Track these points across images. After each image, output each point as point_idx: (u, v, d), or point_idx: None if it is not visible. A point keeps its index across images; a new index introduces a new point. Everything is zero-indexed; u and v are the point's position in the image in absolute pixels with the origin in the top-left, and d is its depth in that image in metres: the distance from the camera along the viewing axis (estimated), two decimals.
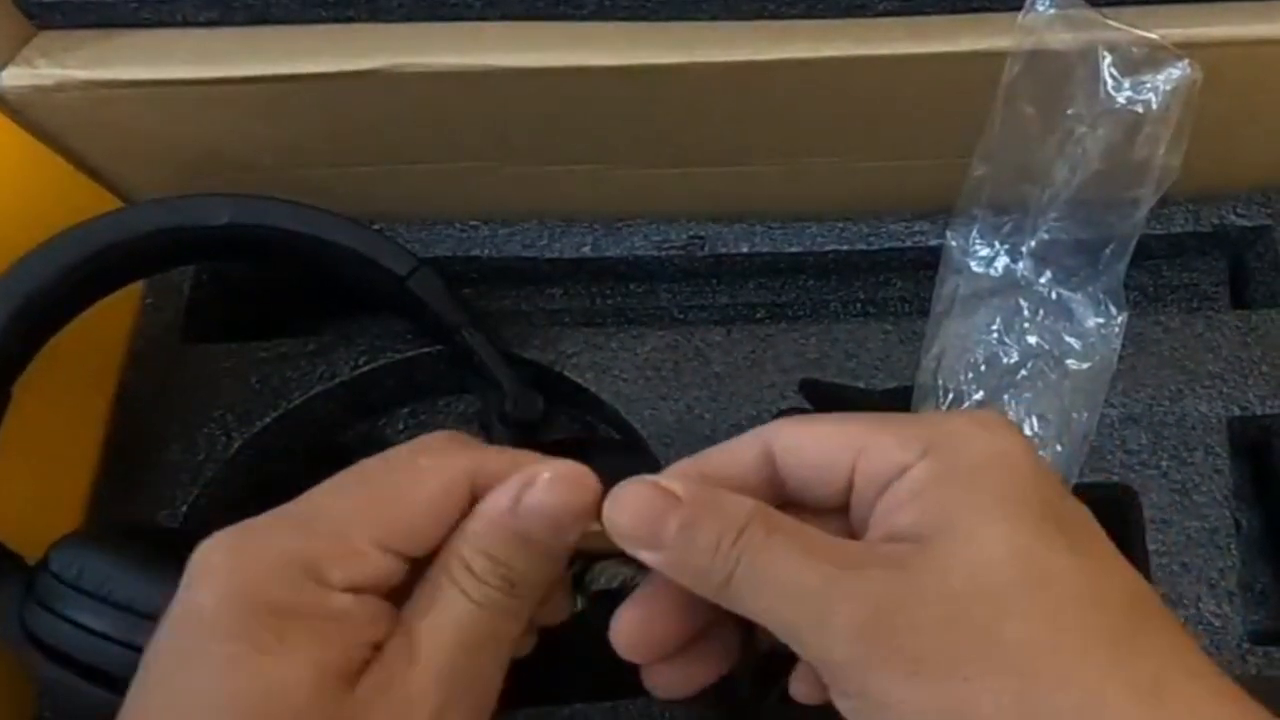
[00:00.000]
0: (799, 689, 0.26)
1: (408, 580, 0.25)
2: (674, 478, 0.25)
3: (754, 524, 0.23)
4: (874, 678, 0.22)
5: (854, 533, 0.26)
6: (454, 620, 0.24)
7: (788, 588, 0.23)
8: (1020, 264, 0.41)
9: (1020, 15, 0.36)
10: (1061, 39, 0.36)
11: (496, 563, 0.24)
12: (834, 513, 0.26)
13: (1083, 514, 0.24)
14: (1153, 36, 0.35)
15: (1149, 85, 0.36)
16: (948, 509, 0.23)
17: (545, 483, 0.24)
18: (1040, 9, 0.36)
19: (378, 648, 0.23)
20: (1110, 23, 0.36)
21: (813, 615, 0.22)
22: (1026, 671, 0.21)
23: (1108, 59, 0.36)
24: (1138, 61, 0.36)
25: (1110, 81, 0.36)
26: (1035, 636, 0.21)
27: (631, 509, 0.24)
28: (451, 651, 0.23)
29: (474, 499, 0.25)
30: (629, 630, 0.26)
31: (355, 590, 0.23)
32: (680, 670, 0.27)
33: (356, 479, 0.25)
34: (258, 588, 0.22)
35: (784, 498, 0.26)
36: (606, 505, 0.24)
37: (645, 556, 0.24)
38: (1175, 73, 0.35)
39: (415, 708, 0.22)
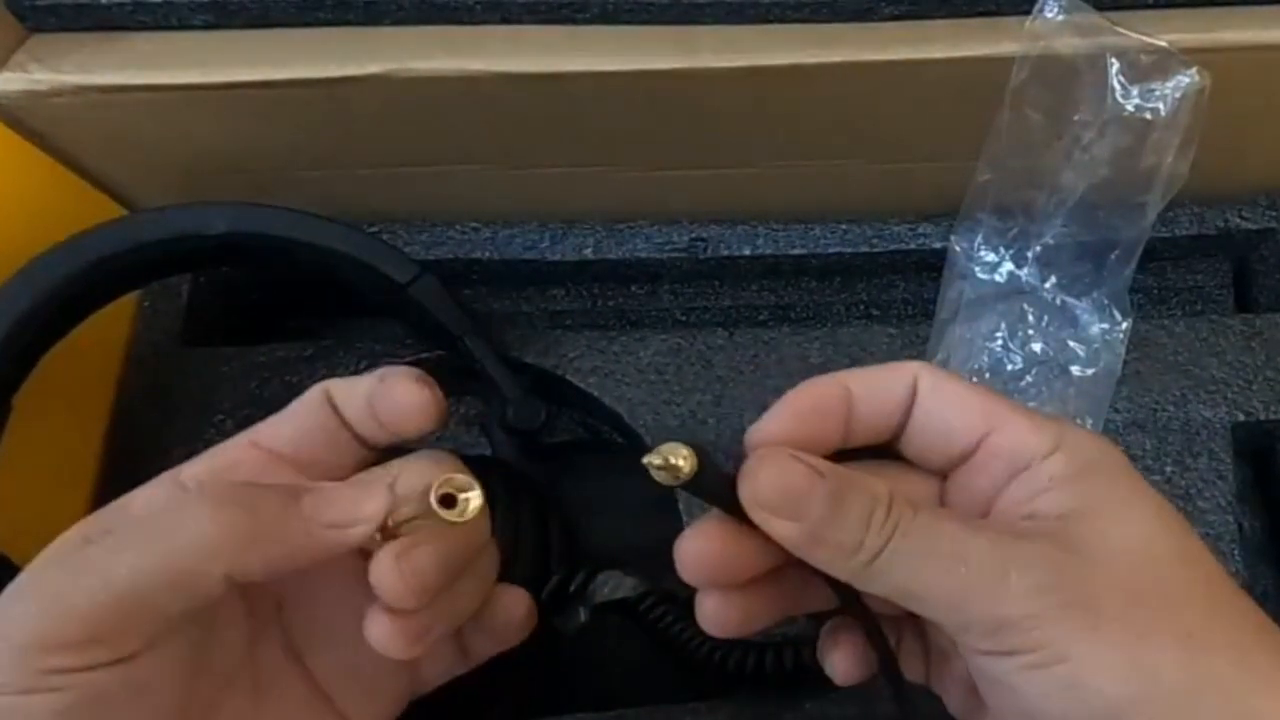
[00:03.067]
0: (838, 668, 0.27)
1: None
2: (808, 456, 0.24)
3: (898, 501, 0.23)
4: (1054, 631, 0.22)
5: (942, 499, 0.26)
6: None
7: (956, 555, 0.23)
8: (1025, 270, 0.40)
9: (1028, 20, 0.36)
10: (1069, 44, 0.35)
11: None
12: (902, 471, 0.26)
13: None
14: (1161, 43, 0.35)
15: (1157, 93, 0.35)
16: (1095, 496, 0.24)
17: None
18: (1049, 14, 0.35)
19: None
20: (1118, 29, 0.35)
21: (987, 577, 0.22)
22: (1194, 632, 0.22)
23: (1116, 65, 0.35)
24: (1146, 68, 0.35)
25: (1118, 88, 0.36)
26: (1196, 604, 0.23)
27: (775, 477, 0.23)
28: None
29: (330, 403, 0.27)
30: (699, 548, 0.25)
31: (199, 479, 0.26)
32: (739, 606, 0.26)
33: None
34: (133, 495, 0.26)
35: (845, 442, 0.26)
36: (746, 471, 0.24)
37: (780, 528, 0.23)
38: (1184, 80, 0.35)
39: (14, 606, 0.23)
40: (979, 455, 0.25)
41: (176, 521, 0.23)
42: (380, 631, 0.25)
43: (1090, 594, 0.22)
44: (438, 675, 0.30)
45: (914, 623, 0.28)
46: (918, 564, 0.23)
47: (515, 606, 0.29)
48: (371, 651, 0.27)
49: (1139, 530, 0.23)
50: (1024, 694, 0.23)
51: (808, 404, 0.25)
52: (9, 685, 0.22)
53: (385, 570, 0.24)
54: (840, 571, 0.24)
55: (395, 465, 0.27)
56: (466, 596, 0.27)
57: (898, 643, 0.28)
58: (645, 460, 0.23)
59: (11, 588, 0.23)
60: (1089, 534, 0.23)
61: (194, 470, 0.26)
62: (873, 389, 0.25)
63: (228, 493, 0.24)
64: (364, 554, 0.26)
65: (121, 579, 0.22)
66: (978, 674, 0.24)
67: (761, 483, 0.23)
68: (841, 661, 0.27)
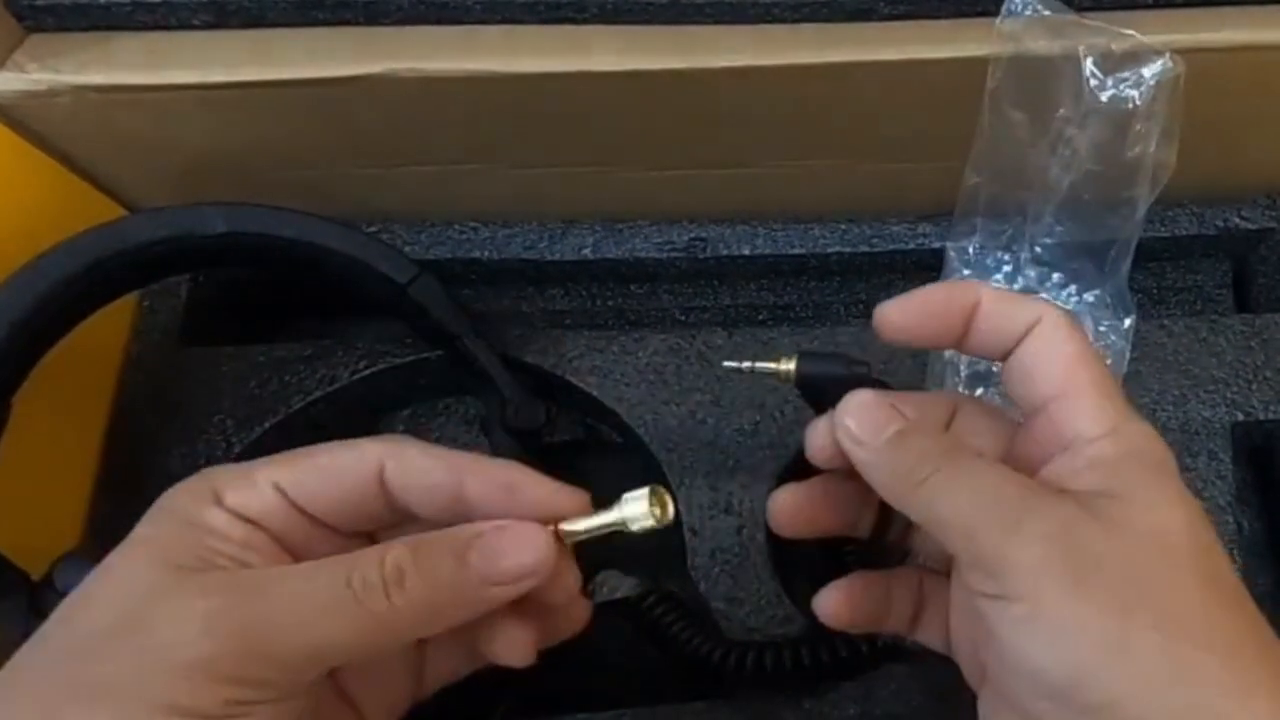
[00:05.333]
0: (828, 608, 0.30)
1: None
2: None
3: (954, 445, 0.26)
4: (1047, 582, 0.23)
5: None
6: (313, 586, 0.24)
7: (986, 492, 0.25)
8: (1023, 271, 0.40)
9: (997, 21, 0.36)
10: (1041, 42, 0.35)
11: (401, 574, 0.24)
12: None
13: None
14: (1131, 33, 0.35)
15: (1132, 81, 0.35)
16: (1128, 484, 0.25)
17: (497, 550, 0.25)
18: (1016, 14, 0.35)
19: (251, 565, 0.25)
20: (1087, 22, 0.35)
21: (1006, 517, 0.24)
22: (1183, 617, 0.23)
23: (1089, 58, 0.35)
24: (1119, 59, 0.35)
25: (1094, 80, 0.36)
26: (1196, 592, 0.23)
27: (861, 410, 0.27)
28: (275, 603, 0.23)
29: (384, 482, 0.26)
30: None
31: (241, 513, 0.25)
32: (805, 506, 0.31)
33: (306, 448, 0.27)
34: (169, 499, 0.26)
35: None
36: (846, 405, 0.27)
37: (855, 450, 0.27)
38: (1157, 67, 0.35)
39: (195, 642, 0.23)
40: (1040, 418, 0.26)
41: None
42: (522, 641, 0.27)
43: (1092, 558, 0.23)
44: (444, 677, 0.30)
45: (936, 592, 0.30)
46: (955, 491, 0.25)
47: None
48: (389, 655, 0.28)
49: (1160, 521, 0.24)
50: (1010, 647, 0.24)
51: (939, 302, 0.28)
52: (196, 710, 0.22)
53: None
54: (891, 493, 0.26)
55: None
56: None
57: (918, 612, 0.31)
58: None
59: (169, 616, 0.23)
60: (1111, 511, 0.24)
61: (233, 500, 0.25)
62: (999, 311, 0.27)
63: (401, 573, 0.24)
64: None
65: (315, 635, 0.23)
66: (979, 626, 0.26)
67: (847, 416, 0.27)
68: (832, 599, 0.30)
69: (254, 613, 0.23)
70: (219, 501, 0.25)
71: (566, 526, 0.27)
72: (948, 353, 0.40)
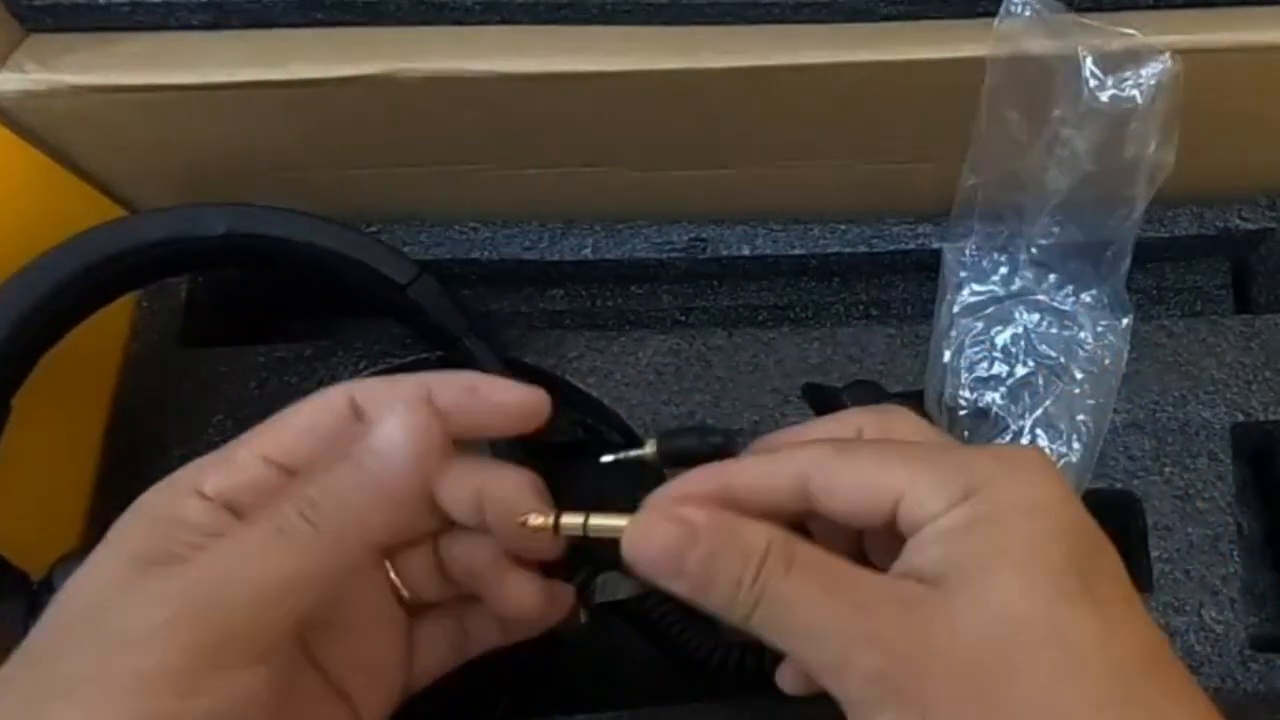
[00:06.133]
0: (786, 681, 0.28)
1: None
2: (692, 501, 0.25)
3: (772, 558, 0.23)
4: (886, 718, 0.22)
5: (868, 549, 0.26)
6: (246, 538, 0.24)
7: (807, 631, 0.23)
8: (1020, 273, 0.40)
9: (995, 21, 0.35)
10: (1039, 42, 0.35)
11: (312, 500, 0.25)
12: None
13: (1111, 563, 0.24)
14: (1129, 33, 0.35)
15: (1131, 82, 0.35)
16: (969, 557, 0.23)
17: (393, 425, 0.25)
18: (1015, 14, 0.35)
19: None
20: (1085, 22, 0.35)
21: (831, 658, 0.23)
22: None
23: (1088, 59, 0.35)
24: (1118, 59, 0.35)
25: (1092, 81, 0.36)
26: (1041, 695, 0.21)
27: (651, 544, 0.24)
28: (217, 566, 0.24)
29: (355, 408, 0.27)
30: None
31: (222, 497, 0.25)
32: None
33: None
34: (147, 496, 0.25)
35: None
36: (626, 539, 0.25)
37: (669, 586, 0.24)
38: (1156, 68, 0.35)
39: (155, 613, 0.23)
40: (895, 523, 0.24)
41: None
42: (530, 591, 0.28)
43: (923, 684, 0.22)
44: (432, 670, 0.30)
45: None
46: (778, 632, 0.23)
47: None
48: (377, 643, 0.28)
49: (1001, 603, 0.22)
50: None
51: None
52: (175, 690, 0.22)
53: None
54: (729, 620, 0.24)
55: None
56: None
57: None
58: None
59: (131, 604, 0.23)
60: (951, 604, 0.22)
61: (215, 485, 0.25)
62: (752, 495, 0.25)
63: (313, 501, 0.25)
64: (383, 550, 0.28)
65: (259, 579, 0.23)
66: None
67: (638, 547, 0.24)
68: (788, 674, 0.28)
69: (199, 578, 0.23)
70: (197, 492, 0.25)
71: (595, 521, 0.26)
72: (946, 355, 0.40)
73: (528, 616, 0.29)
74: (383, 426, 0.25)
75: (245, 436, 0.27)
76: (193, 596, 0.23)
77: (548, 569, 0.30)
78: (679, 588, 0.24)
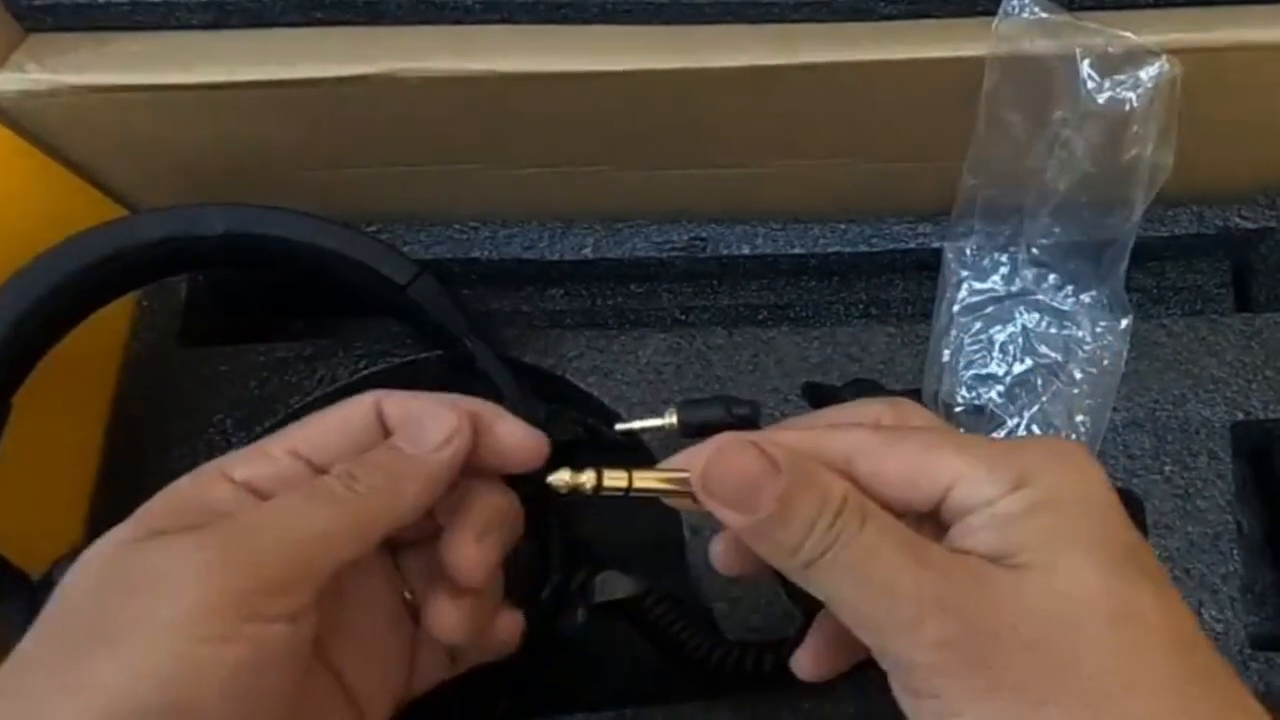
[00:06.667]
0: (806, 664, 0.28)
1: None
2: (770, 443, 0.24)
3: (849, 509, 0.23)
4: (952, 686, 0.22)
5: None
6: (285, 501, 0.25)
7: (880, 585, 0.23)
8: (1020, 273, 0.40)
9: (994, 22, 0.36)
10: (1038, 44, 0.35)
11: (352, 474, 0.25)
12: None
13: (1149, 550, 0.24)
14: (1127, 35, 0.35)
15: (1129, 84, 0.35)
16: (1034, 539, 0.23)
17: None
18: (1013, 16, 0.35)
19: None
20: (1084, 23, 0.35)
21: (903, 618, 0.22)
22: (1099, 704, 0.21)
23: (1086, 60, 0.35)
24: (1116, 61, 0.35)
25: (1091, 83, 0.36)
26: (1111, 670, 0.22)
27: (732, 468, 0.23)
28: (258, 529, 0.24)
29: (382, 420, 0.27)
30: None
31: (250, 484, 0.26)
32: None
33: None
34: (180, 480, 0.26)
35: None
36: (705, 464, 0.24)
37: (731, 518, 0.24)
38: (1154, 70, 0.35)
39: (192, 558, 0.23)
40: (942, 509, 0.24)
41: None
42: (448, 615, 0.27)
43: (993, 654, 0.22)
44: (434, 674, 0.30)
45: None
46: (848, 582, 0.23)
47: (510, 625, 0.30)
48: (385, 646, 0.29)
49: (1069, 582, 0.22)
50: None
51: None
52: (211, 634, 0.22)
53: (464, 549, 0.27)
54: (778, 566, 0.24)
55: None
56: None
57: None
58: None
59: (161, 556, 0.23)
60: (1020, 581, 0.22)
61: (244, 472, 0.26)
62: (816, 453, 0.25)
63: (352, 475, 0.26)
64: (391, 548, 0.29)
65: (297, 534, 0.24)
66: (899, 700, 0.24)
67: (715, 471, 0.24)
68: (806, 662, 0.28)
69: (238, 529, 0.24)
70: (226, 477, 0.26)
71: (640, 477, 0.26)
72: (945, 354, 0.40)
73: (450, 639, 0.28)
74: (418, 415, 0.27)
75: (278, 433, 0.27)
76: (232, 544, 0.23)
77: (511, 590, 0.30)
78: (745, 524, 0.23)
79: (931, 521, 0.25)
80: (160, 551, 0.23)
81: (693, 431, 0.28)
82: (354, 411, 0.27)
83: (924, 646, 0.22)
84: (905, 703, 0.24)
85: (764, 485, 0.23)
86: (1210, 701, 0.22)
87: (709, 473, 0.24)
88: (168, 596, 0.22)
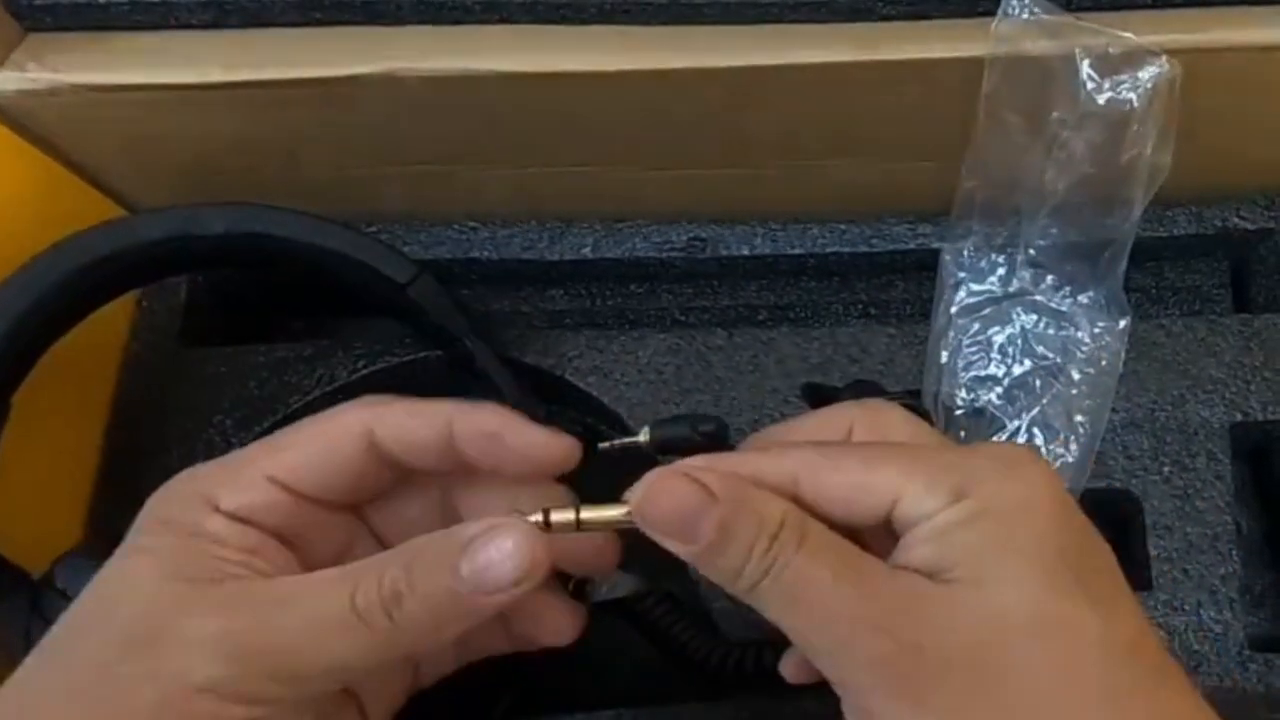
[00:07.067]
0: (790, 669, 0.28)
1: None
2: (707, 471, 0.24)
3: (786, 531, 0.23)
4: (886, 706, 0.22)
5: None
6: (323, 605, 0.24)
7: (815, 610, 0.23)
8: (1018, 273, 0.40)
9: (994, 23, 0.36)
10: (1037, 44, 0.35)
11: (399, 595, 0.24)
12: None
13: (1104, 558, 0.24)
14: (1128, 36, 0.35)
15: (1129, 84, 0.35)
16: (965, 554, 0.23)
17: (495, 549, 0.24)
18: (1013, 16, 0.35)
19: (259, 571, 0.25)
20: (1083, 24, 0.35)
21: (837, 641, 0.23)
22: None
23: (1086, 61, 0.36)
24: (1116, 62, 0.35)
25: (1090, 83, 0.36)
26: (1039, 687, 0.22)
27: (666, 502, 0.24)
28: (275, 615, 0.24)
29: (373, 445, 0.26)
30: None
31: (240, 515, 0.25)
32: None
33: (279, 432, 0.27)
34: (161, 508, 0.25)
35: None
36: (641, 494, 0.24)
37: (675, 548, 0.24)
38: (1154, 70, 0.35)
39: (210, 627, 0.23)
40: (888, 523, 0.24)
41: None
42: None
43: (921, 673, 0.22)
44: (436, 671, 0.30)
45: None
46: (787, 604, 0.23)
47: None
48: None
49: (1000, 596, 0.22)
50: None
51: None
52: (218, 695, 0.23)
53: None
54: (730, 593, 0.24)
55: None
56: None
57: None
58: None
59: (190, 629, 0.23)
60: (951, 596, 0.23)
61: (231, 504, 0.25)
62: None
63: (399, 595, 0.24)
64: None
65: (328, 656, 0.23)
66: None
67: (652, 505, 0.24)
68: (790, 663, 0.28)
69: (269, 635, 0.23)
70: (215, 507, 0.25)
71: (587, 515, 0.26)
72: (943, 355, 0.40)
73: (561, 637, 0.29)
74: (491, 549, 0.24)
75: (251, 450, 0.26)
76: (259, 649, 0.23)
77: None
78: (687, 552, 0.24)
79: (891, 535, 0.25)
80: (186, 628, 0.23)
81: (663, 449, 0.28)
82: (340, 440, 0.26)
83: (857, 667, 0.23)
84: (846, 712, 0.24)
85: (701, 514, 0.23)
86: (1147, 713, 0.22)
87: (643, 507, 0.24)
88: (181, 697, 0.22)
